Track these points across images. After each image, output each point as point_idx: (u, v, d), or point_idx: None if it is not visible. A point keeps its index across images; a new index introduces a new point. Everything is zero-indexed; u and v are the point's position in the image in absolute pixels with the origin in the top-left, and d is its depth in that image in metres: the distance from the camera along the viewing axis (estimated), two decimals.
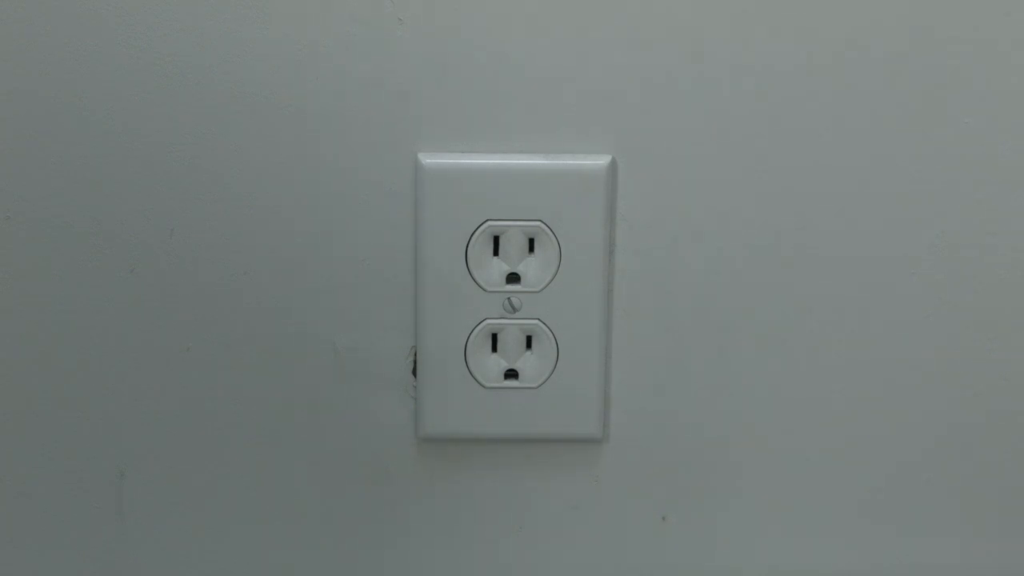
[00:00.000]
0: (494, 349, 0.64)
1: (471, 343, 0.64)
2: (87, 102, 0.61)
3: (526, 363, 0.65)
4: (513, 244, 0.63)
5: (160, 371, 0.65)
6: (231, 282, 0.64)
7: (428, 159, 0.62)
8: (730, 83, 0.62)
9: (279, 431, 0.66)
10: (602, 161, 0.62)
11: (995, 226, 0.64)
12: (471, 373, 0.64)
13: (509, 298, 0.63)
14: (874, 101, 0.62)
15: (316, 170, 0.62)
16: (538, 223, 0.62)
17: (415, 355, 0.65)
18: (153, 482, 0.67)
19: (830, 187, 0.63)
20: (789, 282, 0.65)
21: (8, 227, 0.63)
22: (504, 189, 0.62)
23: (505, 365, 0.65)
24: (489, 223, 0.62)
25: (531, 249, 0.63)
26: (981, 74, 0.62)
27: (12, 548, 0.67)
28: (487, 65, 0.61)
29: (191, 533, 0.67)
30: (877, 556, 0.69)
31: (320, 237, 0.63)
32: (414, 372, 0.65)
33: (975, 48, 0.61)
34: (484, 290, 0.63)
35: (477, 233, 0.62)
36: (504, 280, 0.63)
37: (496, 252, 0.63)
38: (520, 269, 0.63)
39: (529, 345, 0.64)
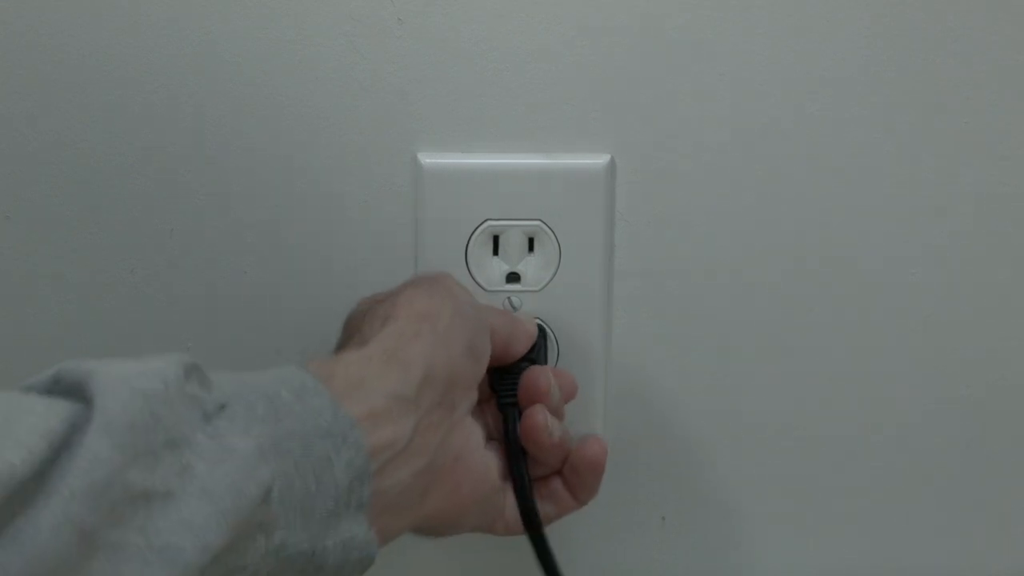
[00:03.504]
0: None
1: None
2: (87, 102, 0.61)
3: None
4: (513, 244, 0.63)
5: None
6: (231, 282, 0.64)
7: (428, 159, 0.62)
8: (730, 83, 0.62)
9: None
10: (601, 160, 0.62)
11: (996, 226, 0.64)
12: None
13: (509, 298, 0.63)
14: (874, 101, 0.62)
15: (316, 170, 0.62)
16: (538, 223, 0.62)
17: None
18: None
19: (830, 187, 0.63)
20: (789, 282, 0.65)
21: (8, 227, 0.63)
22: (504, 189, 0.62)
23: None
24: (489, 223, 0.62)
25: (531, 249, 0.63)
26: (981, 75, 0.62)
27: None
28: (487, 65, 0.61)
29: None
30: (877, 556, 0.69)
31: (320, 237, 0.63)
32: None
33: (975, 49, 0.61)
34: (484, 290, 0.63)
35: (477, 233, 0.62)
36: (504, 280, 0.63)
37: (496, 252, 0.63)
38: (520, 269, 0.63)
39: None
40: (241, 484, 0.41)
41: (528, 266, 0.63)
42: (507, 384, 0.58)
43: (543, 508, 0.58)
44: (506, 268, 0.63)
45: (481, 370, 0.54)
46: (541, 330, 0.61)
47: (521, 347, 0.58)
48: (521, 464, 0.57)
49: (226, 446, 0.41)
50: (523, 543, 0.68)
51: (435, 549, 0.68)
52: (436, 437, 0.50)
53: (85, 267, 0.63)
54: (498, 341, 0.56)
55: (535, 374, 0.57)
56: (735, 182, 0.63)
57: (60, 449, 0.37)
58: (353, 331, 0.54)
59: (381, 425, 0.47)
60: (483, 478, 0.54)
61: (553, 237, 0.62)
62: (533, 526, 0.57)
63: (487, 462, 0.55)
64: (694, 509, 0.68)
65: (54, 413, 0.38)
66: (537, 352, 0.60)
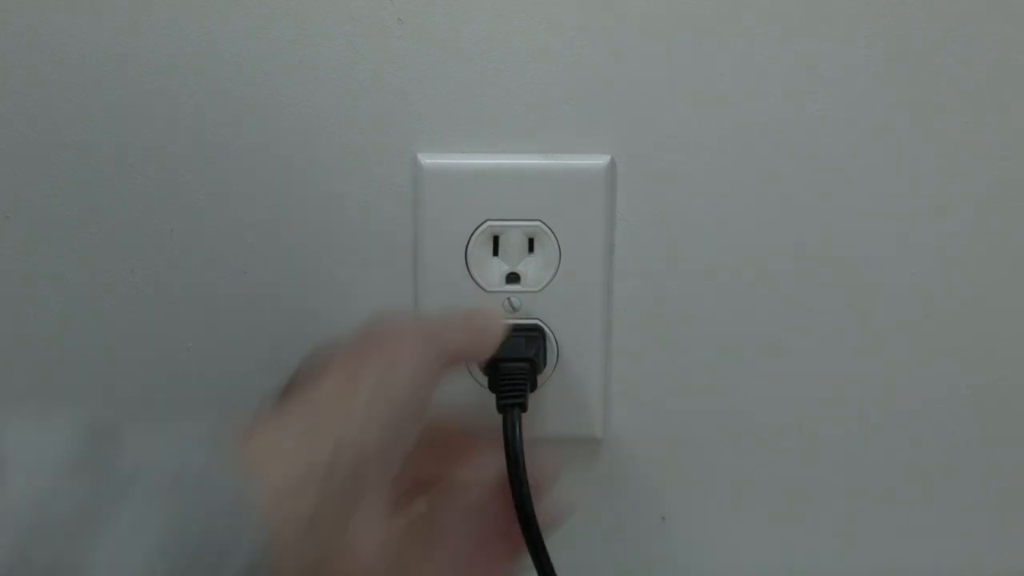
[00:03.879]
0: None
1: None
2: (87, 102, 0.61)
3: None
4: (513, 244, 0.63)
5: (160, 371, 0.65)
6: (231, 282, 0.64)
7: (428, 159, 0.62)
8: (730, 83, 0.62)
9: None
10: (601, 161, 0.62)
11: (996, 226, 0.64)
12: (471, 373, 0.64)
13: (509, 298, 0.63)
14: (874, 101, 0.62)
15: (316, 170, 0.62)
16: (538, 223, 0.62)
17: None
18: None
19: (830, 186, 0.63)
20: (789, 282, 0.65)
21: (8, 227, 0.63)
22: (503, 189, 0.62)
23: None
24: (489, 223, 0.62)
25: (531, 249, 0.63)
26: (981, 75, 0.62)
27: None
28: (487, 65, 0.61)
29: None
30: (877, 556, 0.69)
31: (320, 237, 0.63)
32: None
33: (975, 49, 0.61)
34: (484, 290, 0.63)
35: (477, 233, 0.62)
36: (504, 280, 0.63)
37: (496, 252, 0.63)
38: (520, 269, 0.63)
39: None
40: None
41: (528, 266, 0.63)
42: (505, 385, 0.58)
43: None
44: (506, 268, 0.63)
45: (405, 441, 0.52)
46: (540, 331, 0.61)
47: (489, 347, 0.57)
48: (521, 468, 0.56)
49: (119, 563, 0.41)
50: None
51: None
52: (339, 522, 0.48)
53: (85, 267, 0.63)
54: (466, 354, 0.57)
55: (546, 463, 0.58)
56: (735, 182, 0.63)
57: None
58: (295, 382, 0.53)
59: (286, 506, 0.46)
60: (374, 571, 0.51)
61: (553, 237, 0.62)
62: (532, 533, 0.56)
63: (385, 555, 0.51)
64: (694, 509, 0.68)
65: None
66: (537, 353, 0.60)
